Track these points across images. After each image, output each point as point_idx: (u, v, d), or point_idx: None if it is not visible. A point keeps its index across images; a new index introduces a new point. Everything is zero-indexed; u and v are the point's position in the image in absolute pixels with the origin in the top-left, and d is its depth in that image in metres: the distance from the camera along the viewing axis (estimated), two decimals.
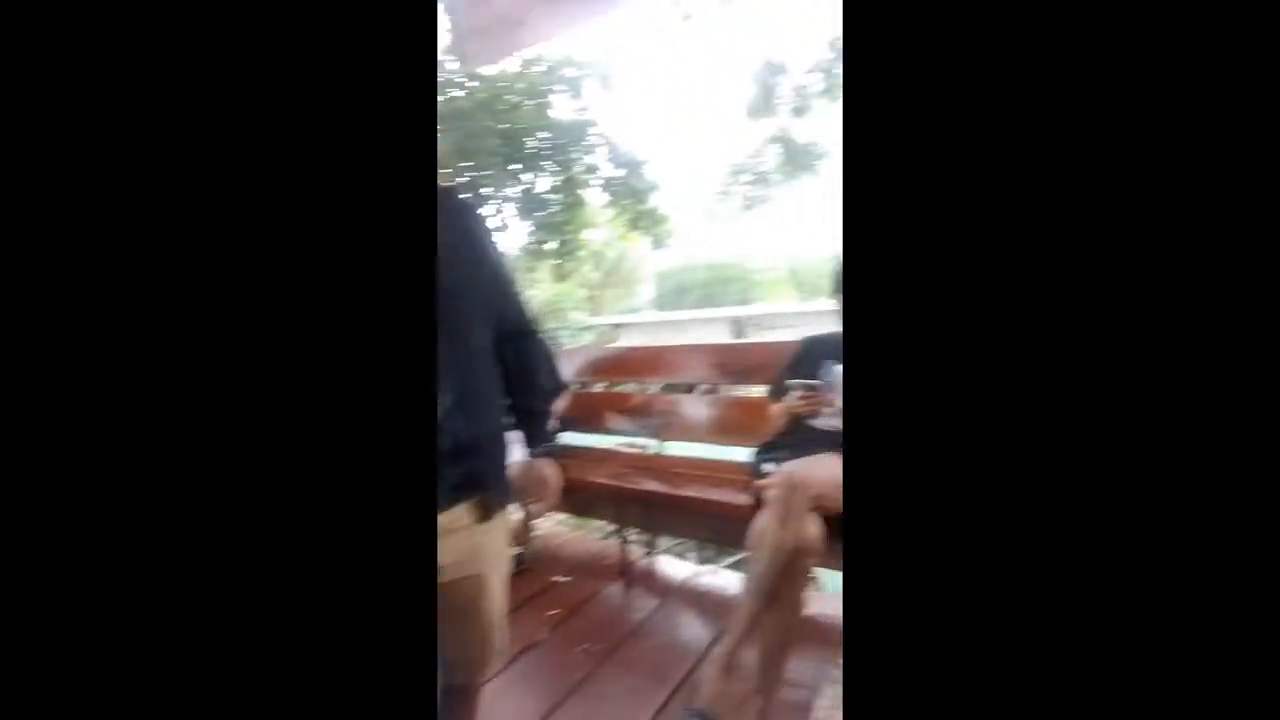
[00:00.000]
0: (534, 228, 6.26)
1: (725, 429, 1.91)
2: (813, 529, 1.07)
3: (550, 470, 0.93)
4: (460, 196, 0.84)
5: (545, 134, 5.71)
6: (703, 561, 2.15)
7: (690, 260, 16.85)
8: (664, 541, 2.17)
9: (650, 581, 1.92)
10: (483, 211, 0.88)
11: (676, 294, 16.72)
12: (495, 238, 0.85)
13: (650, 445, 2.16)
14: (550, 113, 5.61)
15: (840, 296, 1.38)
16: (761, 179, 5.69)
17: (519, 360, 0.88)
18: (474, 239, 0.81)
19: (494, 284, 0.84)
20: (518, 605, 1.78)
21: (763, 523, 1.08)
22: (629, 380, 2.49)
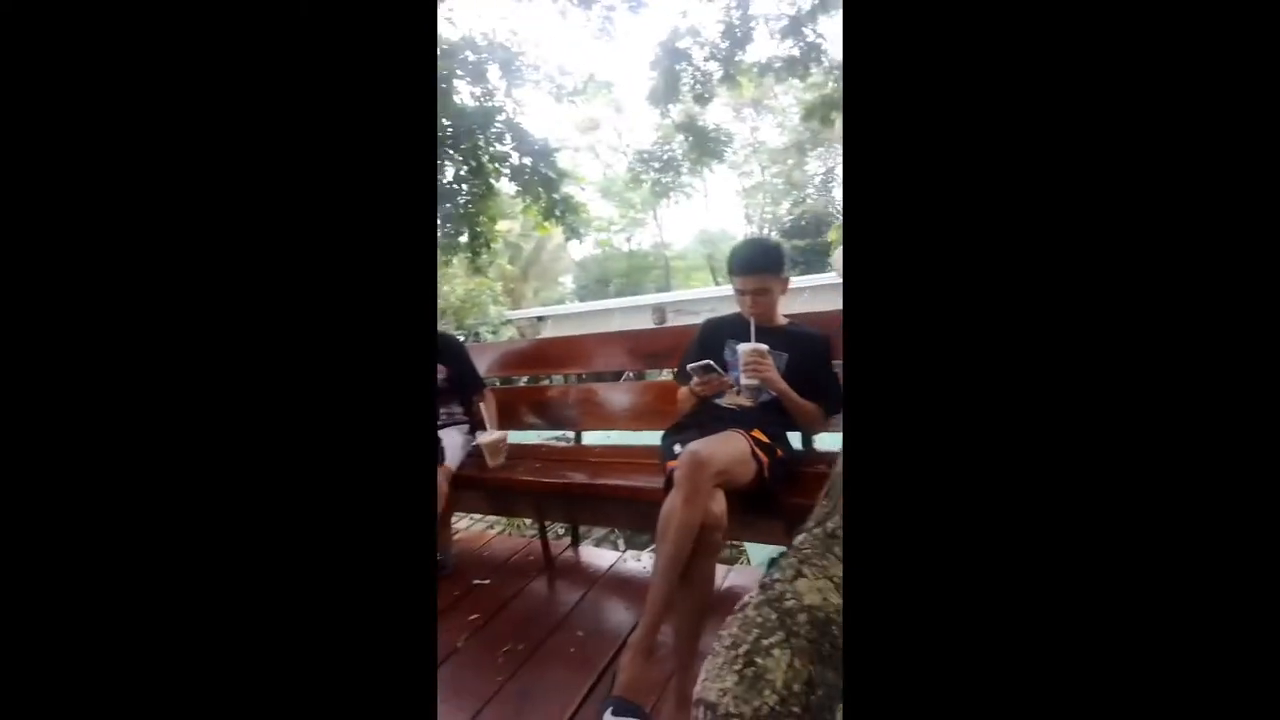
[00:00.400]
0: (444, 220, 6.00)
1: (641, 415, 1.93)
2: (717, 505, 1.09)
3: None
4: None
5: (447, 121, 5.45)
6: (632, 548, 2.17)
7: (610, 249, 16.83)
8: (599, 532, 2.16)
9: (574, 574, 1.90)
10: None
11: (599, 284, 16.66)
12: None
13: (568, 437, 2.14)
14: (454, 98, 5.36)
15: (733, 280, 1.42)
16: (670, 166, 5.75)
17: None
18: None
19: None
20: (439, 613, 1.72)
21: (669, 503, 1.10)
22: (544, 373, 2.45)
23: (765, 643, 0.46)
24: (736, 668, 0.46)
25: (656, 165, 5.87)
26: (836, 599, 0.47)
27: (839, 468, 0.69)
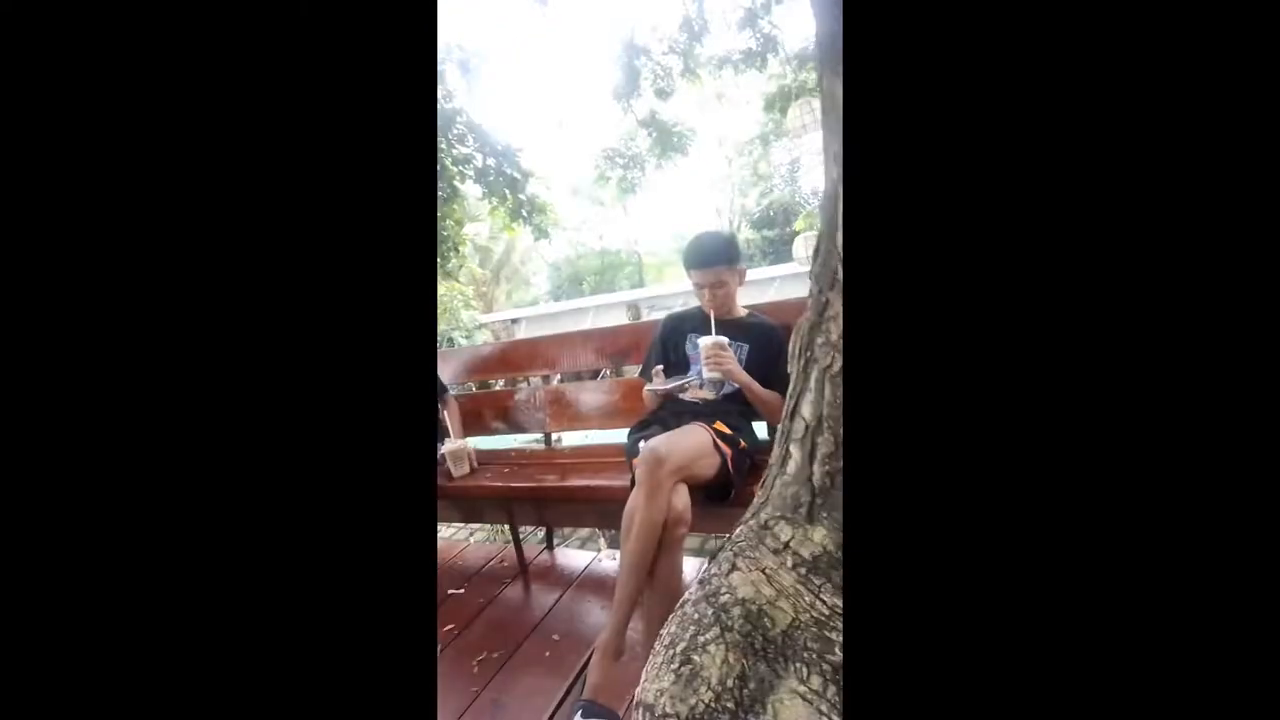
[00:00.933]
0: None
1: (614, 414, 1.92)
2: (679, 500, 1.09)
3: None
4: None
5: None
6: (614, 547, 2.16)
7: (581, 249, 16.74)
8: (586, 535, 2.15)
9: (549, 577, 1.89)
10: None
11: (572, 283, 16.57)
12: None
13: (538, 440, 2.12)
14: None
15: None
16: (635, 162, 5.73)
17: None
18: None
19: None
20: None
21: (631, 501, 1.09)
22: (517, 376, 2.43)
23: (701, 639, 0.45)
24: (674, 666, 0.45)
25: (621, 161, 5.84)
26: (768, 590, 0.47)
27: (773, 457, 0.70)
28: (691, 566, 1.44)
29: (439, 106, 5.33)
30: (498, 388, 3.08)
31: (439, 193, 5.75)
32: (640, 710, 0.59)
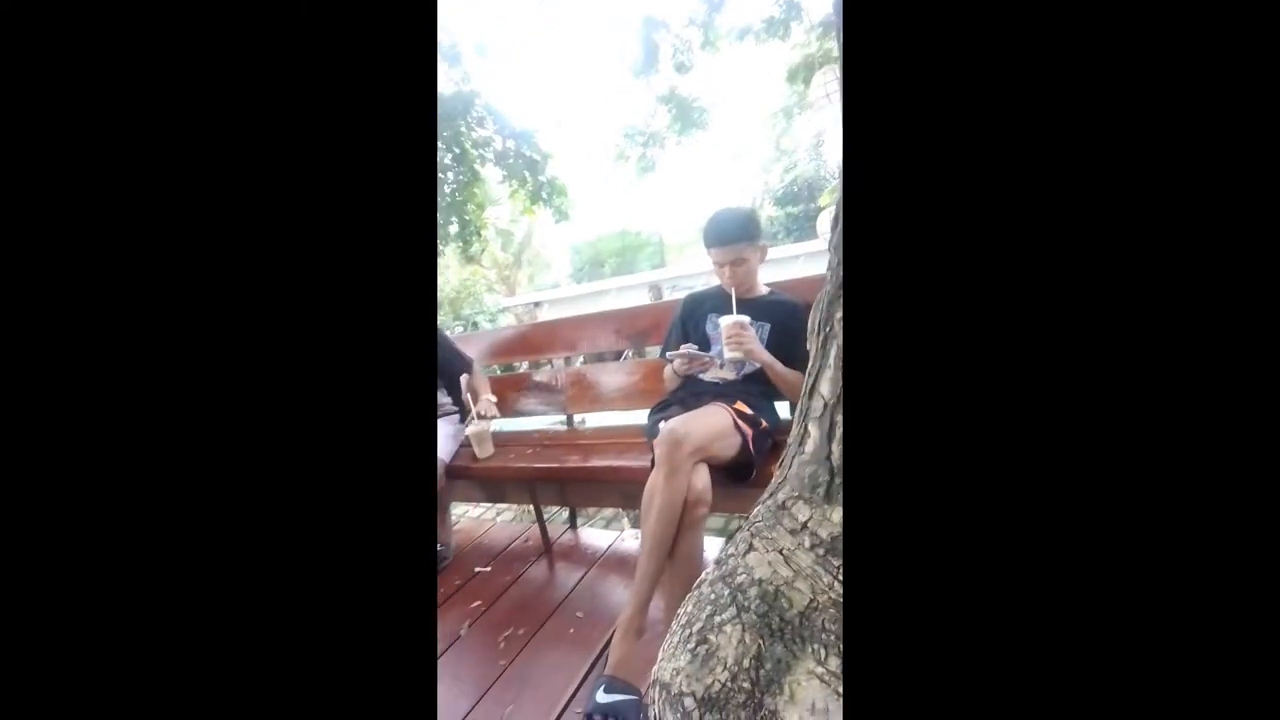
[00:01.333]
0: None
1: (635, 395, 1.92)
2: (699, 481, 1.08)
3: None
4: None
5: None
6: (632, 527, 2.18)
7: (602, 230, 16.66)
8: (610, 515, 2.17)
9: (573, 556, 1.92)
10: None
11: (594, 265, 16.55)
12: None
13: (561, 421, 2.14)
14: None
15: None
16: (655, 139, 5.63)
17: None
18: None
19: None
20: (440, 603, 1.73)
21: (650, 482, 1.09)
22: (539, 358, 2.44)
23: (717, 619, 0.45)
24: (690, 646, 0.45)
25: (641, 139, 5.75)
26: (786, 570, 0.46)
27: (791, 436, 0.68)
28: (715, 547, 1.45)
29: (457, 90, 5.31)
30: (521, 370, 3.11)
31: (460, 177, 5.77)
32: (657, 688, 0.59)
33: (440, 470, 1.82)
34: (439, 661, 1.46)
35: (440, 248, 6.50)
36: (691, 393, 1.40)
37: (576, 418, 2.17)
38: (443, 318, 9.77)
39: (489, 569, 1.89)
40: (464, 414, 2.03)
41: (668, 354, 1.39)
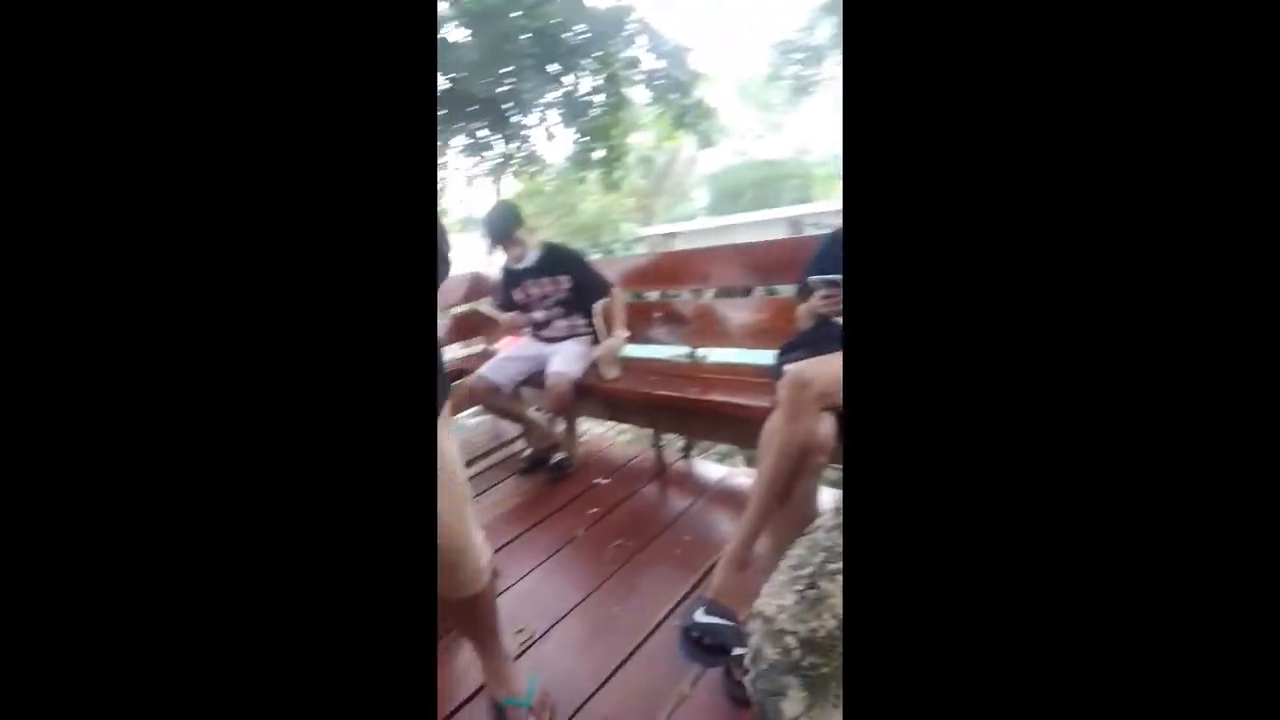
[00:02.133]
0: (579, 134, 6.01)
1: (762, 333, 1.86)
2: (823, 428, 1.04)
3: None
4: None
5: (581, 27, 5.30)
6: (748, 464, 2.19)
7: (743, 159, 15.78)
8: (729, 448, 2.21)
9: (685, 484, 1.98)
10: None
11: (731, 197, 15.89)
12: None
13: (686, 354, 2.15)
14: (585, 2, 5.17)
15: None
16: (815, 55, 5.07)
17: None
18: None
19: None
20: (561, 505, 1.91)
21: (770, 422, 1.07)
22: (668, 289, 2.45)
23: (831, 568, 0.43)
24: (798, 588, 0.44)
25: (799, 56, 5.22)
26: None
27: None
28: (828, 498, 1.41)
29: (611, 7, 5.18)
30: (650, 299, 3.16)
31: (608, 100, 5.73)
32: (759, 620, 0.60)
33: (569, 386, 1.94)
34: (556, 558, 1.62)
35: (583, 174, 6.60)
36: (824, 336, 1.32)
37: (699, 351, 2.17)
38: (581, 244, 10.12)
39: (607, 482, 2.03)
40: (596, 336, 2.12)
41: (810, 278, 1.30)
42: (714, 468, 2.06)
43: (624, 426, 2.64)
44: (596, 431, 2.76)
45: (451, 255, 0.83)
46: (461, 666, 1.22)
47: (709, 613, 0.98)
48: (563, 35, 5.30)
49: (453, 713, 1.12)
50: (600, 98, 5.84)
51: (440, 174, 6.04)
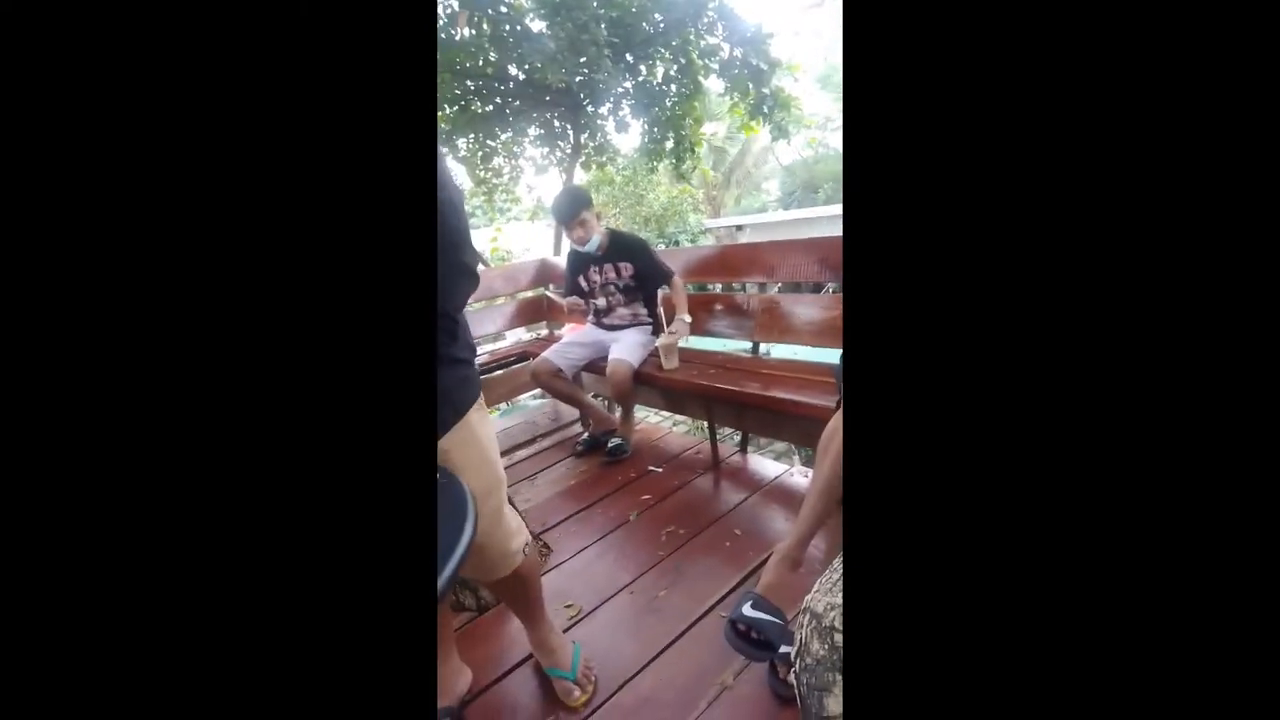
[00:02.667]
0: (650, 124, 6.01)
1: (827, 331, 1.81)
2: None
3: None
4: None
5: (659, 17, 5.28)
6: (809, 466, 2.15)
7: (821, 150, 15.21)
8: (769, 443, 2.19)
9: (739, 478, 1.97)
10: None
11: (805, 190, 15.40)
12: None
13: (747, 349, 2.13)
14: None
15: None
16: None
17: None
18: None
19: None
20: (616, 488, 1.94)
21: (832, 423, 1.04)
22: (727, 280, 2.42)
23: None
24: None
25: None
26: None
27: None
28: None
29: None
30: (713, 290, 3.13)
31: (682, 90, 5.68)
32: (807, 615, 0.59)
33: (629, 374, 1.97)
34: (610, 537, 1.66)
35: (654, 164, 6.60)
36: None
37: (762, 346, 2.14)
38: (648, 234, 10.13)
39: (662, 469, 2.05)
40: (657, 326, 2.14)
41: None
42: (770, 464, 2.03)
43: (679, 417, 2.64)
44: (651, 420, 2.78)
45: (481, 268, 0.81)
46: (511, 636, 1.28)
47: (756, 608, 0.98)
48: (642, 24, 5.28)
49: (501, 677, 1.18)
50: (674, 87, 5.79)
51: (514, 163, 6.21)
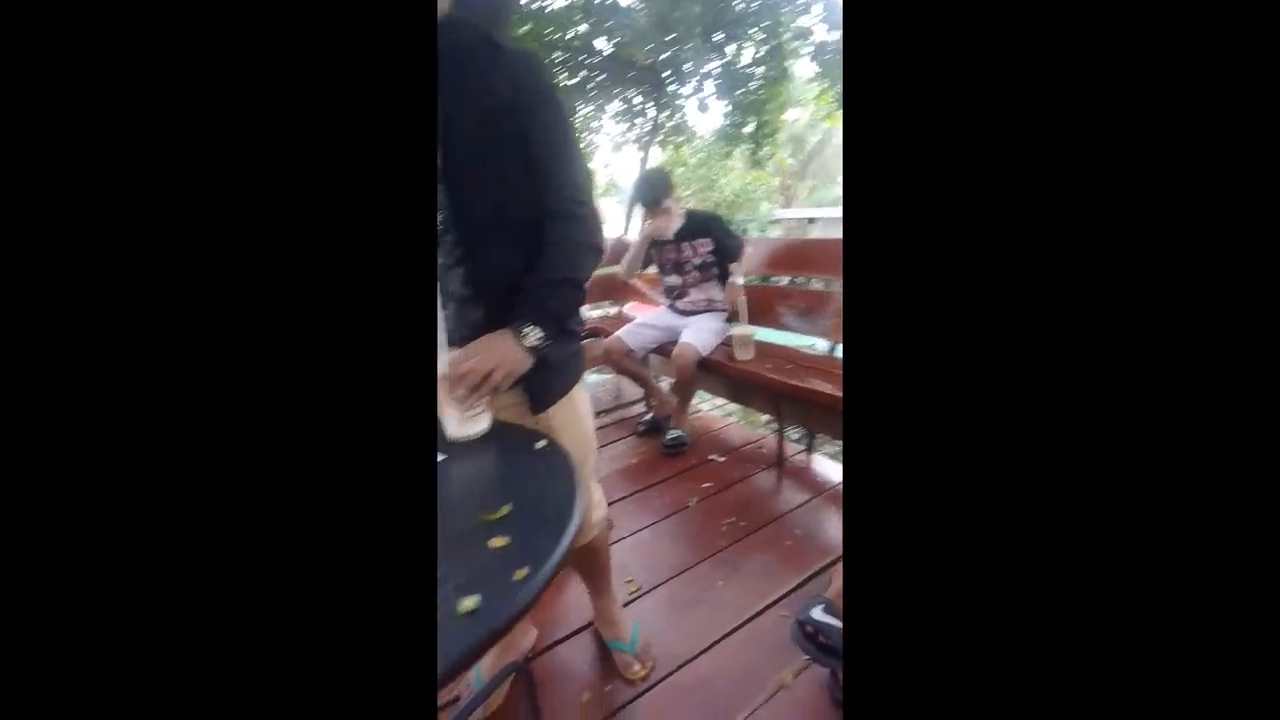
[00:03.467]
0: (731, 108, 5.87)
1: None
2: None
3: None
4: (526, 50, 0.77)
5: None
6: None
7: None
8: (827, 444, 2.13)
9: (803, 478, 1.93)
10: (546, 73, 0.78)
11: None
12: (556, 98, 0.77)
13: (819, 344, 2.07)
14: None
15: None
16: None
17: (551, 236, 0.77)
18: (533, 93, 0.74)
19: (548, 149, 0.75)
20: (677, 472, 1.95)
21: None
22: (797, 274, 2.36)
23: None
24: None
25: None
26: None
27: None
28: None
29: None
30: (781, 283, 3.05)
31: (769, 73, 5.50)
32: None
33: (694, 359, 1.95)
34: (667, 521, 1.67)
35: (729, 148, 6.45)
36: None
37: (836, 345, 2.08)
38: None
39: (723, 460, 2.04)
40: (733, 315, 2.11)
41: None
42: (835, 468, 1.98)
43: (732, 406, 2.61)
44: (709, 412, 2.76)
45: (602, 242, 0.83)
46: (568, 602, 1.32)
47: (827, 612, 0.96)
48: (734, 2, 5.13)
49: (559, 640, 1.22)
50: (761, 69, 5.61)
51: (592, 139, 6.22)
